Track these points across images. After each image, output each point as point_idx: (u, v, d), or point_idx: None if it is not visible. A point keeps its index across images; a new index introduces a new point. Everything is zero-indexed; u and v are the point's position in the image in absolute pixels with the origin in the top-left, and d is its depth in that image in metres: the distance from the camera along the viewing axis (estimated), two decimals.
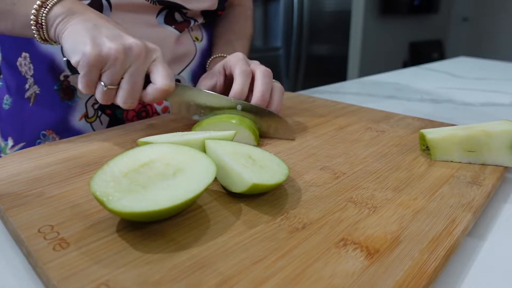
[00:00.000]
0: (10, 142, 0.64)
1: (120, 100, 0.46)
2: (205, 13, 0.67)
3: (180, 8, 0.62)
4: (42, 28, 0.47)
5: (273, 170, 0.37)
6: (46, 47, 0.59)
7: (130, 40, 0.44)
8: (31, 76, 0.60)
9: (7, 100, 0.64)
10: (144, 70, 0.45)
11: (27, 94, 0.62)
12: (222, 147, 0.39)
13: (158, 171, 0.33)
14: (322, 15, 2.50)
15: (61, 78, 0.60)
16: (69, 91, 0.60)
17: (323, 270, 0.28)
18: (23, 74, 0.61)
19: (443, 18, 4.06)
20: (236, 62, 0.53)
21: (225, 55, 0.67)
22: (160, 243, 0.30)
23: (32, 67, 0.60)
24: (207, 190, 0.38)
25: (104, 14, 0.50)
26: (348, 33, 2.77)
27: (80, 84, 0.45)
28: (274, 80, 0.55)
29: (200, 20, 0.67)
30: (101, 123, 0.62)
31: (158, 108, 0.65)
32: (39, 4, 0.46)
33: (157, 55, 0.47)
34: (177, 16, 0.63)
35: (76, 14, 0.46)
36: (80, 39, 0.43)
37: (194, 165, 0.35)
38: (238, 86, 0.52)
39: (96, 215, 0.34)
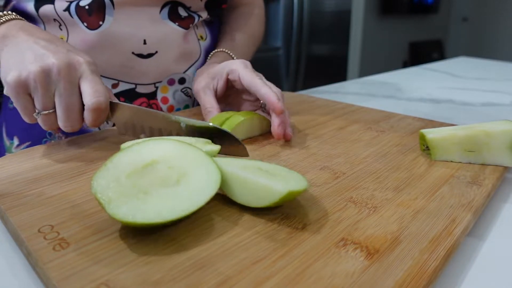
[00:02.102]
0: (16, 141, 0.64)
1: (61, 124, 0.44)
2: (208, 7, 0.66)
3: None
4: None
5: (292, 178, 0.35)
6: None
7: (49, 60, 0.42)
8: None
9: None
10: (72, 88, 0.43)
11: None
12: (231, 163, 0.36)
13: (161, 174, 0.33)
14: (322, 15, 2.50)
15: None
16: None
17: (323, 270, 0.28)
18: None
19: (443, 18, 4.06)
20: (251, 74, 0.51)
21: (225, 50, 0.66)
22: (160, 243, 0.30)
23: None
24: None
25: (39, 28, 0.48)
26: (348, 33, 2.77)
27: (20, 113, 0.44)
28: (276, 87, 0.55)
29: (204, 15, 0.66)
30: (107, 122, 0.62)
31: (164, 106, 0.65)
32: None
33: (83, 69, 0.44)
34: (181, 11, 0.63)
35: (8, 39, 0.45)
36: (6, 67, 0.43)
37: (198, 171, 0.34)
38: (273, 95, 0.48)
39: (96, 215, 0.34)
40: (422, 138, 0.48)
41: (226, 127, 0.49)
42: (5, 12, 0.49)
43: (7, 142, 0.66)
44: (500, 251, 0.35)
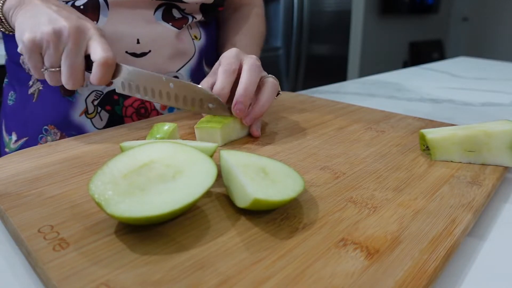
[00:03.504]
0: (14, 136, 0.65)
1: (64, 81, 0.48)
2: (204, 9, 0.67)
3: (177, 1, 0.62)
4: (3, 22, 0.53)
5: (284, 186, 0.34)
6: None
7: (61, 23, 0.46)
8: None
9: (11, 96, 0.66)
10: (79, 50, 0.47)
11: (31, 90, 0.63)
12: (235, 158, 0.37)
13: (157, 172, 0.33)
14: (322, 15, 2.50)
15: None
16: None
17: (323, 270, 0.28)
18: (26, 71, 0.63)
19: (443, 18, 4.06)
20: (223, 60, 0.53)
21: None
22: (160, 243, 0.30)
23: None
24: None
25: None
26: (348, 33, 2.77)
27: (30, 68, 0.49)
28: (270, 75, 0.54)
29: (199, 17, 0.67)
30: (101, 119, 0.63)
31: (157, 105, 0.65)
32: None
33: (92, 33, 0.48)
34: (175, 13, 0.63)
35: (25, 4, 0.50)
36: (22, 28, 0.47)
37: (194, 167, 0.34)
38: (217, 85, 0.51)
39: (96, 215, 0.34)
40: (422, 138, 0.48)
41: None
42: None
43: (6, 137, 0.67)
44: (500, 251, 0.35)
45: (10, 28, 0.53)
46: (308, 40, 2.43)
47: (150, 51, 0.61)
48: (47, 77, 0.49)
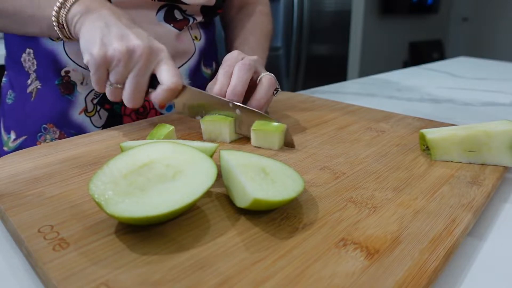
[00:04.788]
0: (13, 135, 0.65)
1: (125, 99, 0.48)
2: (204, 11, 0.68)
3: (179, 3, 0.63)
4: (64, 28, 0.50)
5: (284, 186, 0.34)
6: (49, 43, 0.60)
7: (134, 42, 0.45)
8: (34, 71, 0.62)
9: (10, 95, 0.66)
10: (147, 71, 0.47)
11: (29, 89, 0.63)
12: (235, 158, 0.37)
13: (157, 172, 0.33)
14: (322, 15, 2.50)
15: (62, 73, 0.61)
16: (69, 86, 0.61)
17: (323, 270, 0.28)
18: (26, 69, 0.63)
19: (443, 18, 4.06)
20: (224, 62, 0.54)
21: None
22: (160, 243, 0.30)
23: (35, 63, 0.62)
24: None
25: (118, 8, 0.51)
26: (348, 33, 2.77)
27: (92, 81, 0.47)
28: (267, 73, 0.55)
29: (199, 18, 0.67)
30: (100, 118, 0.63)
31: (156, 104, 0.66)
32: (58, 5, 0.48)
33: (163, 56, 0.48)
34: (177, 14, 0.64)
35: (91, 12, 0.48)
36: (91, 39, 0.46)
37: (194, 167, 0.34)
38: (216, 86, 0.52)
39: (96, 215, 0.34)
40: (422, 138, 0.48)
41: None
42: None
43: (4, 136, 0.67)
44: (500, 251, 0.35)
45: (68, 35, 0.50)
46: (308, 40, 2.43)
47: None
48: (108, 92, 0.48)
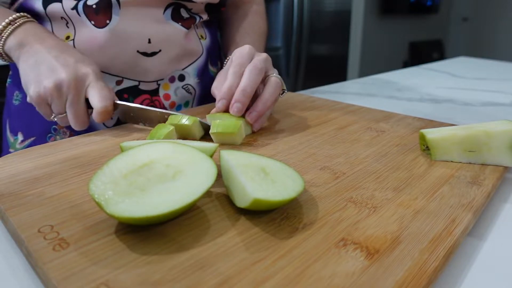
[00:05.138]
0: (20, 137, 0.65)
1: (71, 124, 0.53)
2: (208, 9, 0.68)
3: (186, 1, 0.63)
4: (4, 57, 0.56)
5: (284, 186, 0.34)
6: None
7: (61, 75, 0.50)
8: None
9: (17, 96, 0.66)
10: (79, 98, 0.51)
11: None
12: (235, 158, 0.36)
13: (157, 172, 0.33)
14: (322, 15, 2.50)
15: None
16: None
17: (323, 270, 0.28)
18: None
19: (443, 18, 4.06)
20: (234, 59, 0.54)
21: None
22: (160, 243, 0.30)
23: None
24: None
25: (49, 32, 0.56)
26: (348, 33, 2.77)
27: (42, 115, 0.53)
28: (274, 74, 0.55)
29: (204, 17, 0.68)
30: (111, 118, 0.63)
31: (166, 103, 0.66)
32: None
33: (90, 80, 0.52)
34: (183, 12, 0.64)
35: (24, 47, 0.53)
36: (26, 79, 0.52)
37: (194, 167, 0.34)
38: (225, 85, 0.53)
39: (96, 215, 0.34)
40: (422, 138, 0.48)
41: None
42: (17, 14, 0.55)
43: (11, 138, 0.67)
44: (500, 251, 0.35)
45: (13, 61, 0.56)
46: (308, 40, 2.43)
47: (160, 50, 0.63)
48: (58, 121, 0.53)
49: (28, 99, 0.52)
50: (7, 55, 0.56)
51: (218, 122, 0.49)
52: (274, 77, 0.55)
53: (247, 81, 0.52)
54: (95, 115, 0.51)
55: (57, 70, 0.50)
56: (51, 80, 0.50)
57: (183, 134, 0.51)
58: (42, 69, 0.51)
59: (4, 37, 0.54)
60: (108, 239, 0.30)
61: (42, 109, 0.52)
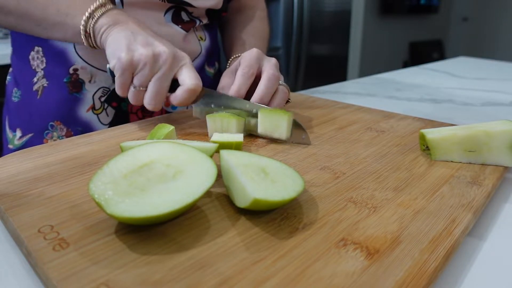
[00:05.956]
0: (19, 133, 0.66)
1: (146, 101, 0.50)
2: (209, 14, 0.69)
3: (187, 5, 0.64)
4: (90, 37, 0.52)
5: (284, 186, 0.34)
6: (58, 42, 0.61)
7: (160, 48, 0.48)
8: (42, 69, 0.63)
9: (15, 93, 0.67)
10: (170, 75, 0.50)
11: (35, 87, 0.64)
12: (236, 158, 0.36)
13: (158, 172, 0.33)
14: (322, 15, 2.50)
15: (71, 71, 0.62)
16: (78, 84, 0.62)
17: (323, 270, 0.28)
18: (33, 67, 0.64)
19: (443, 18, 4.06)
20: (243, 61, 0.55)
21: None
22: (160, 243, 0.30)
23: (44, 61, 0.63)
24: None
25: (143, 23, 0.54)
26: (348, 33, 2.77)
27: (116, 85, 0.50)
28: (282, 83, 0.56)
29: (205, 21, 0.69)
30: (107, 115, 0.64)
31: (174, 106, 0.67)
32: (87, 16, 0.51)
33: (185, 62, 0.51)
34: (184, 16, 0.65)
35: (118, 24, 0.51)
36: (118, 46, 0.48)
37: (195, 167, 0.34)
38: (234, 86, 0.53)
39: (96, 215, 0.34)
40: (422, 138, 0.48)
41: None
42: (104, 0, 0.53)
43: (10, 134, 0.67)
44: (500, 251, 0.35)
45: (93, 43, 0.53)
46: (308, 40, 2.43)
47: None
48: (131, 95, 0.50)
49: (111, 65, 0.49)
50: (93, 34, 0.52)
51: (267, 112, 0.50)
52: (282, 87, 0.55)
53: (265, 90, 0.52)
54: (181, 93, 0.50)
55: (155, 43, 0.49)
56: (149, 49, 0.48)
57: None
58: (139, 39, 0.49)
59: (96, 16, 0.51)
60: (108, 239, 0.30)
61: (124, 78, 0.49)
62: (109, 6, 0.53)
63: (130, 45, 0.48)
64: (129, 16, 0.53)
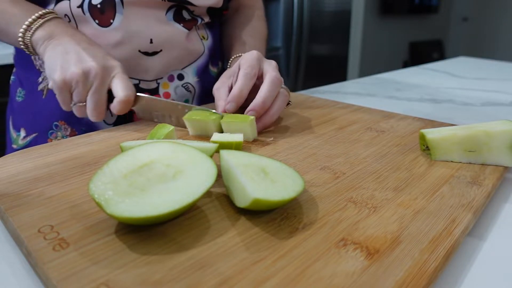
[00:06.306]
0: (23, 133, 0.66)
1: (88, 114, 0.52)
2: (210, 12, 0.69)
3: (188, 4, 0.64)
4: (29, 47, 0.55)
5: (284, 186, 0.34)
6: None
7: (89, 64, 0.50)
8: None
9: (20, 92, 0.67)
10: (103, 88, 0.51)
11: (40, 87, 0.64)
12: (236, 158, 0.36)
13: (158, 172, 0.33)
14: (322, 15, 2.50)
15: None
16: None
17: (323, 270, 0.28)
18: (37, 67, 0.64)
19: (443, 18, 4.06)
20: (244, 62, 0.55)
21: (242, 55, 0.68)
22: (160, 243, 0.30)
23: None
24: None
25: (79, 32, 0.56)
26: (348, 33, 2.77)
27: (59, 102, 0.53)
28: (283, 86, 0.56)
29: (206, 19, 0.69)
30: (111, 115, 0.64)
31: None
32: (24, 28, 0.53)
33: (116, 71, 0.52)
34: (185, 14, 0.65)
35: (53, 38, 0.53)
36: (52, 66, 0.51)
37: (194, 167, 0.34)
38: (236, 87, 0.53)
39: (96, 215, 0.34)
40: (422, 138, 0.48)
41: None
42: (46, 10, 0.55)
43: (13, 134, 0.68)
44: (500, 251, 0.35)
45: (34, 53, 0.55)
46: (308, 40, 2.43)
47: (161, 50, 0.63)
48: (75, 110, 0.53)
49: (50, 85, 0.52)
50: (32, 46, 0.55)
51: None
52: (283, 90, 0.55)
53: (267, 93, 0.52)
54: (115, 105, 0.52)
55: (86, 59, 0.50)
56: (79, 67, 0.50)
57: (202, 128, 0.52)
58: (70, 57, 0.51)
59: (33, 29, 0.53)
60: (108, 239, 0.30)
61: (62, 96, 0.52)
62: (48, 16, 0.54)
63: (63, 64, 0.50)
64: (67, 27, 0.54)
